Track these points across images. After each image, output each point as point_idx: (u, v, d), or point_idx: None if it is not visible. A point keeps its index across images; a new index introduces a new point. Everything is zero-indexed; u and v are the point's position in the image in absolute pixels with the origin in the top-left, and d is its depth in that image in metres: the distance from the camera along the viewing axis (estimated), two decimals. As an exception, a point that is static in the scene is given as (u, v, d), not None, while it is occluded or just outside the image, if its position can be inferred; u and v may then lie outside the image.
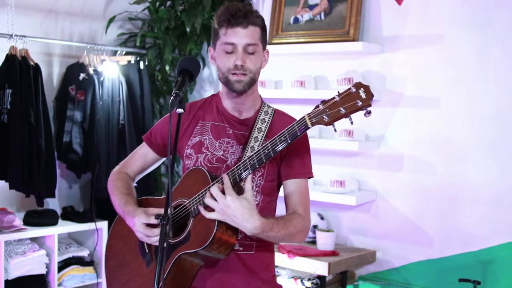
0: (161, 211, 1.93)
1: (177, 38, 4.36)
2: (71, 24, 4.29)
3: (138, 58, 4.30)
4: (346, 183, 3.60)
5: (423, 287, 3.50)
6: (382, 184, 3.65)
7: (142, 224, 1.92)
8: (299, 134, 1.77)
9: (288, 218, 1.91)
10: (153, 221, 1.89)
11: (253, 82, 1.99)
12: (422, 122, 3.51)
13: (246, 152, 1.96)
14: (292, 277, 3.53)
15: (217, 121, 2.06)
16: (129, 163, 2.19)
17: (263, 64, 2.06)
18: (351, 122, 1.74)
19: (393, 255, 3.60)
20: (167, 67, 4.30)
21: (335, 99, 1.70)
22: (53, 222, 3.85)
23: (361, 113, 1.73)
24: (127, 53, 4.33)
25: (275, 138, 1.79)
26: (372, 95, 1.67)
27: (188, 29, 4.17)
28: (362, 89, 1.68)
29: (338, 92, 1.71)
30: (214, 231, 1.82)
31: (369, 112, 1.69)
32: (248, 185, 1.80)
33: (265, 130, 1.99)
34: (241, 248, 1.98)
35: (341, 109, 1.68)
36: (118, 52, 4.34)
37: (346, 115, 1.69)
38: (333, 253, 3.48)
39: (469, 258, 3.35)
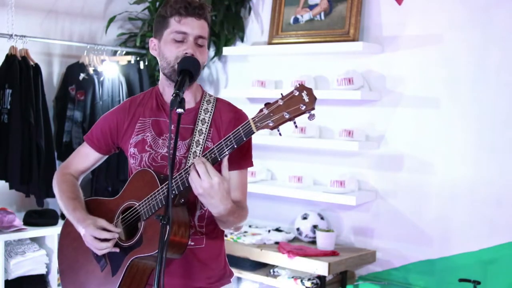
0: (109, 226, 1.93)
1: (177, 38, 4.36)
2: (71, 24, 4.29)
3: (138, 58, 4.30)
4: (346, 183, 3.59)
5: (423, 287, 3.50)
6: (382, 184, 3.65)
7: (91, 236, 1.93)
8: (244, 139, 1.73)
9: (240, 205, 1.94)
10: (101, 234, 1.91)
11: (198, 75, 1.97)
12: (422, 122, 3.51)
13: (191, 147, 1.94)
14: (292, 277, 3.53)
15: (157, 116, 2.02)
16: (72, 163, 2.18)
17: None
18: (295, 126, 1.72)
19: (393, 255, 3.60)
20: (167, 67, 4.29)
21: (278, 103, 1.67)
22: (53, 222, 3.85)
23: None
24: (127, 53, 4.33)
25: (221, 142, 1.77)
26: (315, 98, 1.63)
27: (188, 29, 4.16)
28: (305, 91, 1.64)
29: (282, 94, 1.68)
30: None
31: (313, 116, 1.66)
32: (225, 170, 1.79)
33: (208, 120, 1.98)
34: (192, 243, 1.97)
35: (285, 113, 1.65)
36: (118, 52, 4.34)
37: (291, 119, 1.66)
38: (333, 253, 3.48)
39: (469, 258, 3.35)
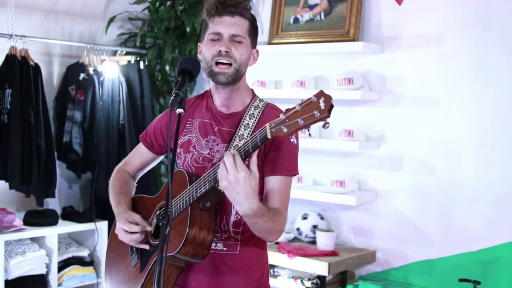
0: (140, 220, 1.98)
1: (177, 38, 4.36)
2: (71, 24, 4.29)
3: (138, 58, 4.30)
4: (346, 183, 3.60)
5: (423, 287, 3.50)
6: (382, 184, 3.65)
7: (121, 229, 1.98)
8: (259, 144, 1.68)
9: (275, 212, 1.84)
10: (131, 228, 1.95)
11: (238, 74, 1.92)
12: (422, 122, 3.51)
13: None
14: (292, 277, 3.53)
15: (205, 118, 2.02)
16: (129, 161, 2.24)
17: (251, 62, 2.00)
18: (309, 134, 1.66)
19: (393, 255, 3.60)
20: (167, 67, 4.30)
21: (295, 109, 1.60)
22: (53, 222, 3.85)
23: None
24: (127, 53, 4.33)
25: (241, 147, 1.73)
26: (332, 106, 1.54)
27: (188, 29, 4.17)
28: (322, 98, 1.55)
29: (302, 100, 1.61)
30: (186, 234, 1.79)
31: (328, 124, 1.57)
32: (253, 165, 1.73)
33: (252, 126, 1.93)
34: (225, 249, 1.96)
35: (299, 120, 1.57)
36: (118, 52, 4.34)
37: (305, 126, 1.58)
38: (333, 253, 3.48)
39: (469, 258, 3.35)
